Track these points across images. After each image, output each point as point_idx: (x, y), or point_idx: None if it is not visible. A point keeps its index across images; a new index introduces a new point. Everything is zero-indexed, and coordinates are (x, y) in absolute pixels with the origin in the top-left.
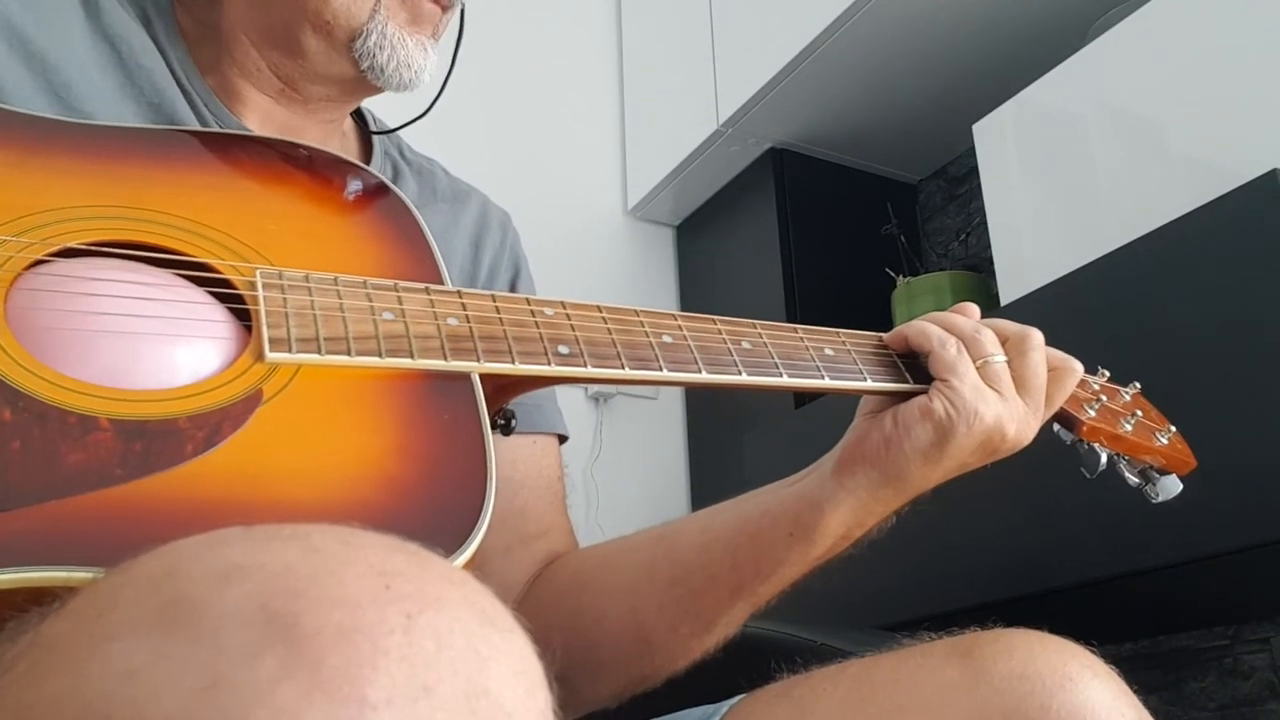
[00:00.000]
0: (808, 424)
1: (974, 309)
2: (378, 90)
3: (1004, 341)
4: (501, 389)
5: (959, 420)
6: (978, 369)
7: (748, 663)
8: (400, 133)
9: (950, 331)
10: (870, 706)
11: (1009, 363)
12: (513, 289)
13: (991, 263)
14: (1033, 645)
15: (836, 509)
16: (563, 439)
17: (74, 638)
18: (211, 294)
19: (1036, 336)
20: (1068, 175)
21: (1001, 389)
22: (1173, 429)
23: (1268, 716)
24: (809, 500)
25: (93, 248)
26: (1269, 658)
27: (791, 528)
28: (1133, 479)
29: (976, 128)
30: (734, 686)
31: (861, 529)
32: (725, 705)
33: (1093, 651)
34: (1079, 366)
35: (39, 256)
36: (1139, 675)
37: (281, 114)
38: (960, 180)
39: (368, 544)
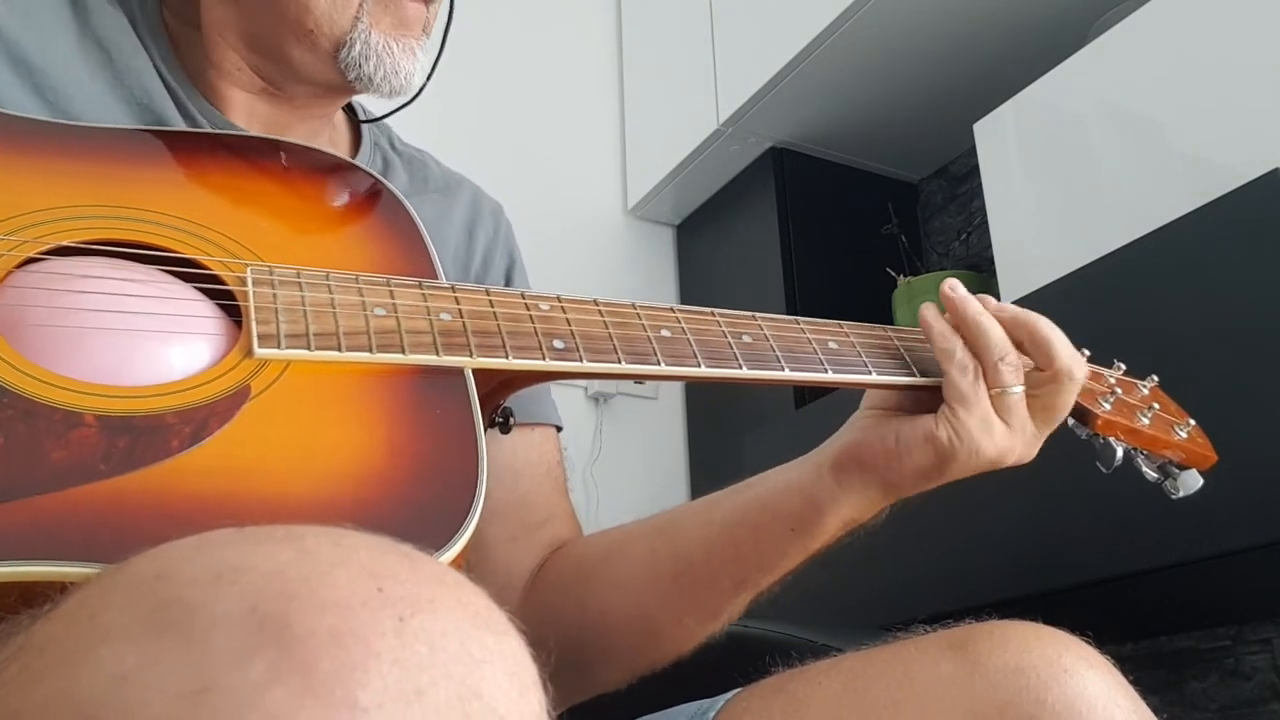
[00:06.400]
0: (808, 424)
1: (1041, 323)
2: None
3: (1045, 368)
4: (500, 386)
5: (961, 450)
6: (992, 397)
7: (745, 661)
8: (396, 127)
9: (975, 350)
10: (865, 700)
11: (1043, 389)
12: (508, 278)
13: (992, 262)
14: (1028, 638)
15: (837, 509)
16: (558, 430)
17: (65, 640)
18: (202, 291)
19: (1080, 372)
20: (1069, 174)
21: (1011, 421)
22: (1192, 422)
23: (1269, 717)
24: (809, 498)
25: (84, 247)
26: (1271, 658)
27: (793, 524)
28: (1151, 474)
29: (977, 127)
30: (730, 684)
31: (858, 524)
32: (721, 699)
33: (1088, 643)
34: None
35: (30, 255)
36: (1140, 676)
37: (266, 111)
38: (961, 179)
39: (360, 545)
